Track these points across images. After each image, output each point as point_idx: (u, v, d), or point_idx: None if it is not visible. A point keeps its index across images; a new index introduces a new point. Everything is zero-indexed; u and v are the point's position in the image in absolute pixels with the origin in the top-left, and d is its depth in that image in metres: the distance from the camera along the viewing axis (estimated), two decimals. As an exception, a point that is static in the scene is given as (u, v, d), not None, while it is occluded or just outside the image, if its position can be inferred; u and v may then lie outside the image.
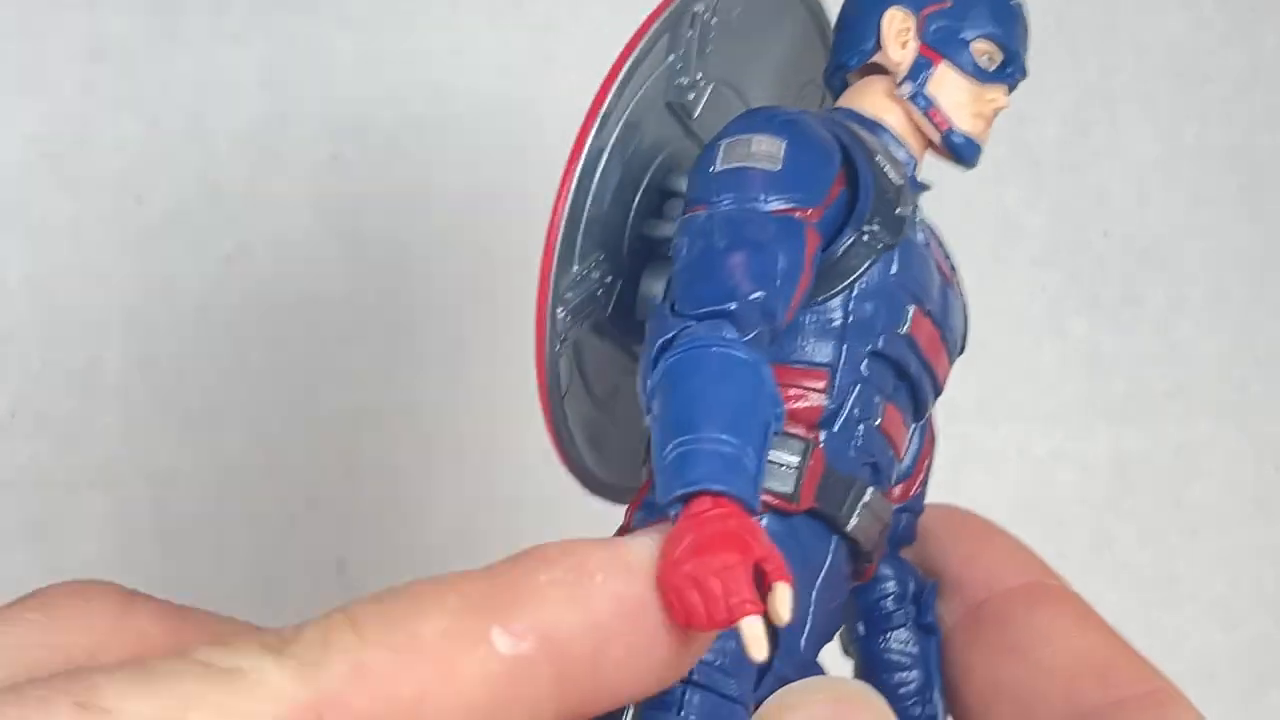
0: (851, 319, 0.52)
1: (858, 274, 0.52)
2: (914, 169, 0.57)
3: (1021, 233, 1.04)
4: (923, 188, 0.57)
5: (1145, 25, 1.05)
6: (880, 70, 0.56)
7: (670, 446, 0.45)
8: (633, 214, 0.55)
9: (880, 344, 0.52)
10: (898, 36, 0.56)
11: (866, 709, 0.48)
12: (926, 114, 0.56)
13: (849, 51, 0.57)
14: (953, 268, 0.57)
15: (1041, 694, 0.58)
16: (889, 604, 0.58)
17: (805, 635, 0.52)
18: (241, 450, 0.94)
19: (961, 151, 0.57)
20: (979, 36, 0.56)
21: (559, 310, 0.52)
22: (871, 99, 0.57)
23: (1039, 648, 0.60)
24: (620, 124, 0.54)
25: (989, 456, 1.03)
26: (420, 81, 0.97)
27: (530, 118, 0.95)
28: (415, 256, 0.95)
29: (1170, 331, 1.05)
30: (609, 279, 0.54)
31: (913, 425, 0.56)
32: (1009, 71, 0.57)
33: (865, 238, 0.52)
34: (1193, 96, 1.05)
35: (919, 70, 0.56)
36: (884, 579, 0.58)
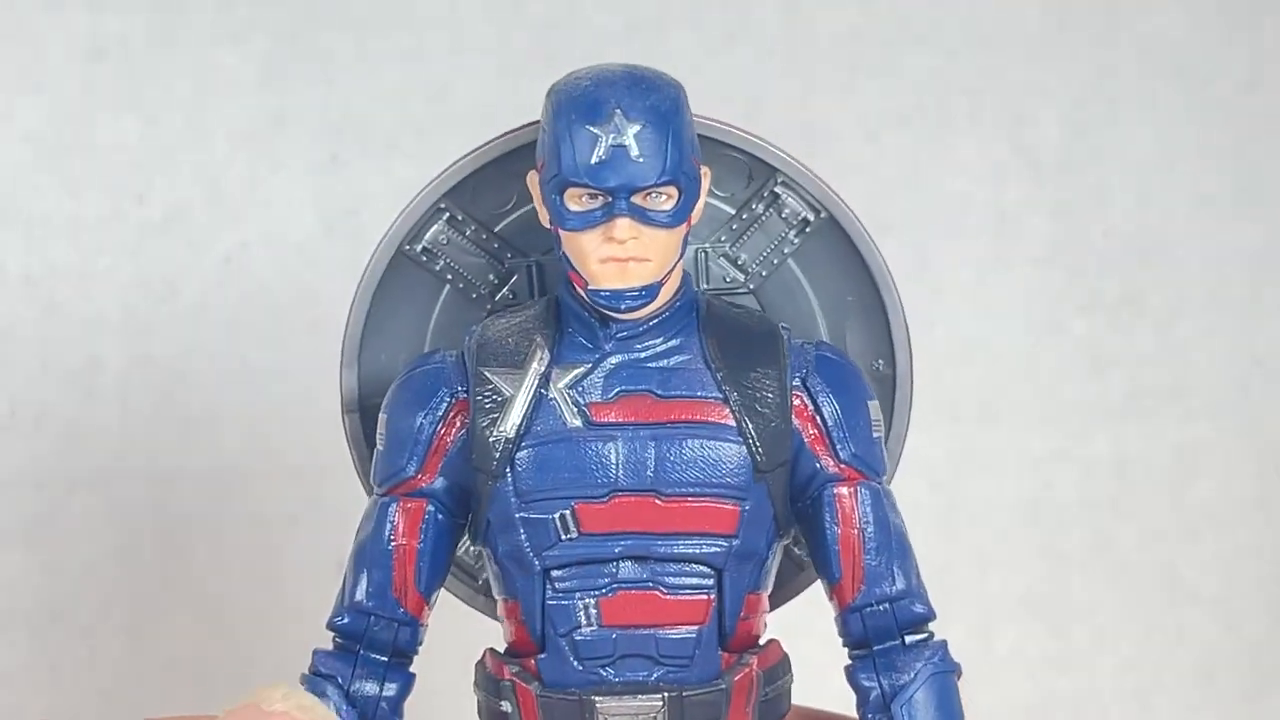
0: (501, 551, 0.53)
1: (484, 512, 0.53)
2: (604, 326, 0.53)
3: (1021, 233, 1.04)
4: (631, 334, 0.53)
5: (1145, 25, 1.05)
6: None
7: None
8: None
9: (547, 560, 0.52)
10: (540, 202, 0.54)
11: None
12: (569, 277, 0.54)
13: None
14: (720, 391, 0.53)
15: None
16: (868, 714, 0.54)
17: None
18: (241, 450, 0.94)
19: (604, 308, 0.53)
20: (560, 188, 0.52)
21: None
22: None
23: None
24: None
25: (989, 457, 1.03)
26: (420, 81, 0.97)
27: (530, 116, 0.95)
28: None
29: (1170, 332, 1.05)
30: None
31: (712, 583, 0.53)
32: (613, 203, 0.52)
33: (478, 476, 0.53)
34: (1193, 96, 1.05)
35: (555, 234, 0.54)
36: (861, 689, 0.54)
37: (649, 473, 0.52)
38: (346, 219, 0.95)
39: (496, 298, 0.58)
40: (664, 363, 0.54)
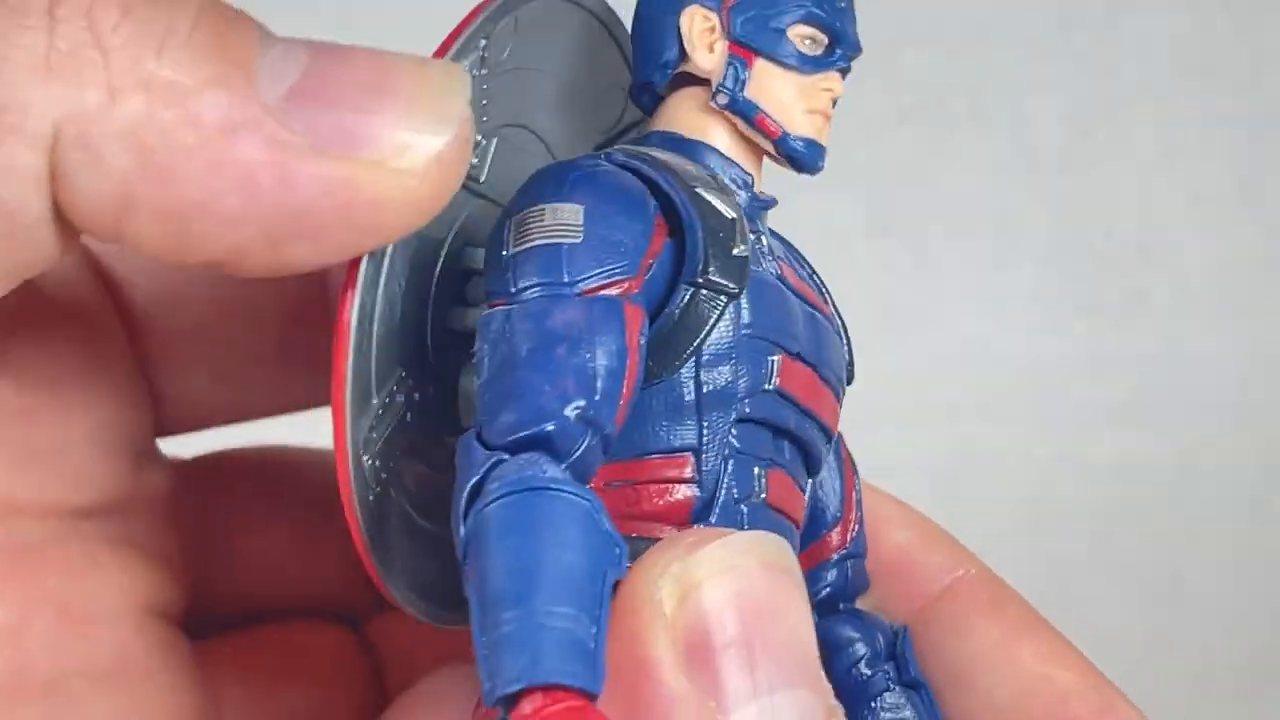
0: (706, 389, 0.45)
1: (701, 336, 0.44)
2: (752, 189, 0.48)
3: (1022, 233, 1.04)
4: (767, 205, 0.49)
5: (1146, 25, 1.05)
6: (693, 80, 0.48)
7: (490, 628, 0.37)
8: (432, 306, 0.48)
9: (747, 408, 0.45)
10: (702, 38, 0.48)
11: (791, 579, 0.41)
12: (753, 122, 0.48)
13: (651, 66, 0.49)
14: (819, 288, 0.50)
15: None
16: (863, 668, 0.50)
17: None
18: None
19: (802, 158, 0.48)
20: (796, 20, 0.48)
21: (365, 459, 0.45)
22: (688, 115, 0.49)
23: (978, 677, 0.53)
24: None
25: (991, 457, 1.03)
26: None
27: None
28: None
29: (1171, 332, 1.05)
30: (417, 395, 0.47)
31: (807, 483, 0.48)
32: (839, 54, 0.49)
33: (703, 292, 0.45)
34: (1193, 96, 1.05)
35: (734, 73, 0.48)
36: (849, 642, 0.50)
37: (817, 348, 0.47)
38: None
39: None
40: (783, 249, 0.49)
